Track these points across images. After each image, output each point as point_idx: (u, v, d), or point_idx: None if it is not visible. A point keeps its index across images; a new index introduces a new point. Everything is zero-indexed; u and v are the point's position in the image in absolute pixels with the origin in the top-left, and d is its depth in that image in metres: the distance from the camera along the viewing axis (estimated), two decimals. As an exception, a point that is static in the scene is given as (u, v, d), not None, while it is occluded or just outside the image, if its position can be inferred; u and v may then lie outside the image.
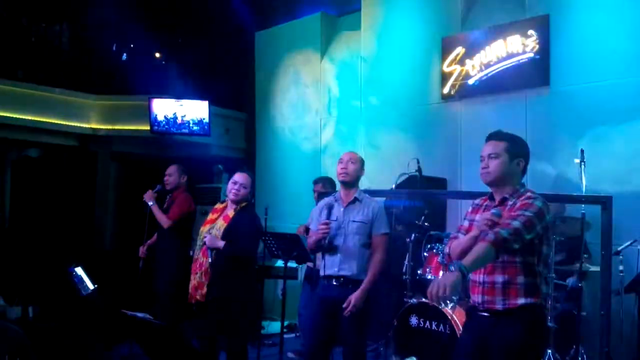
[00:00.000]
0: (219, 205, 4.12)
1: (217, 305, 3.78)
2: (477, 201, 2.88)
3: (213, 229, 3.91)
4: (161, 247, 5.08)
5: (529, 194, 2.62)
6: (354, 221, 3.49)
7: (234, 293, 3.81)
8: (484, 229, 2.52)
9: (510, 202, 2.63)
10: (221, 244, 3.80)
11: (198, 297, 3.83)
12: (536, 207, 2.53)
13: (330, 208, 3.59)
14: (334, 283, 3.48)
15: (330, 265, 3.50)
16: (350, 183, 3.58)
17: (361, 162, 3.67)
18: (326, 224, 3.46)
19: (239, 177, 3.97)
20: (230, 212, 3.94)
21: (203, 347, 3.91)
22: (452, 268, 2.35)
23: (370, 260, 3.50)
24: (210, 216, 4.05)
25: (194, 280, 3.88)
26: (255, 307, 4.04)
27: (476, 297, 2.65)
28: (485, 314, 2.61)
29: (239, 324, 3.86)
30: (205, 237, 3.87)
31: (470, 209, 2.87)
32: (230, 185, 3.97)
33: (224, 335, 3.90)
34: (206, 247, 3.84)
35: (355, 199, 3.55)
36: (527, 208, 2.51)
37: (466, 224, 2.82)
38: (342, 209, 3.55)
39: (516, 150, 2.68)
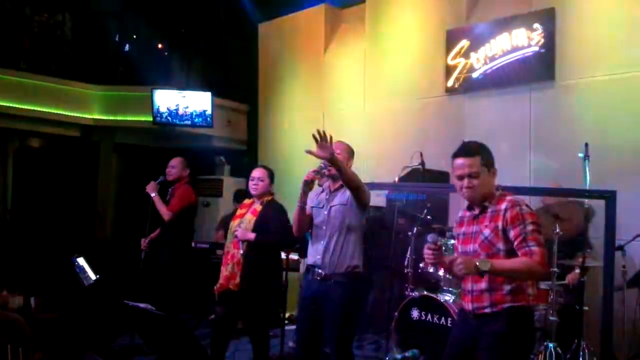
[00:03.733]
0: (247, 201, 4.32)
1: (250, 293, 3.97)
2: (460, 214, 2.89)
3: (242, 222, 4.11)
4: (163, 238, 5.09)
5: (509, 198, 2.63)
6: (333, 205, 3.45)
7: (266, 282, 4.05)
8: (431, 263, 2.61)
9: (490, 209, 2.65)
10: (252, 236, 4.00)
11: (231, 286, 4.00)
12: (527, 218, 2.55)
13: (318, 195, 3.61)
14: (316, 277, 3.40)
15: (313, 254, 3.47)
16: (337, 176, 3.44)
17: (348, 152, 3.59)
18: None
19: (255, 172, 4.23)
20: (258, 207, 4.16)
21: (218, 334, 4.05)
22: (479, 262, 2.42)
23: (355, 248, 3.38)
24: (240, 211, 4.27)
25: (225, 272, 4.06)
26: (280, 295, 4.42)
27: (467, 305, 2.72)
28: (475, 317, 2.67)
29: (267, 310, 4.13)
30: (236, 230, 4.07)
31: (456, 224, 2.90)
32: (249, 182, 4.21)
33: (252, 321, 4.09)
34: (237, 240, 4.03)
35: (341, 186, 3.47)
36: (521, 222, 2.53)
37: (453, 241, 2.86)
38: (327, 197, 3.52)
39: (489, 159, 2.68)
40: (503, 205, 2.61)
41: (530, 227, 2.53)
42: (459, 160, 2.68)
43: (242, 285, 3.97)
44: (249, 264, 3.99)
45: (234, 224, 4.16)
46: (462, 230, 2.79)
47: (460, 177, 2.67)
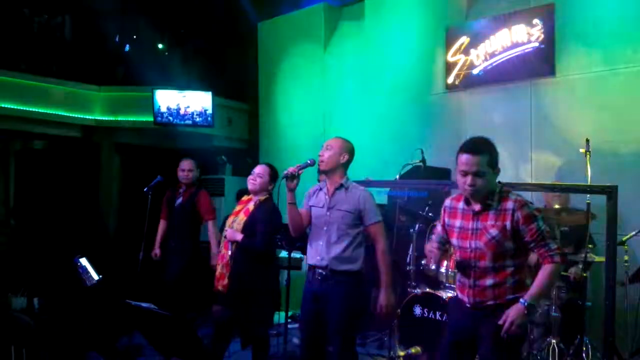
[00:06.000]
0: (245, 197, 4.18)
1: (236, 297, 3.86)
2: (448, 204, 2.87)
3: (235, 222, 3.98)
4: (177, 239, 5.10)
5: (514, 197, 2.63)
6: (339, 209, 3.34)
7: (252, 286, 3.86)
8: (433, 261, 2.63)
9: (494, 206, 2.64)
10: (240, 237, 3.87)
11: (220, 287, 3.93)
12: (538, 215, 2.60)
13: (317, 194, 3.51)
14: (317, 277, 3.37)
15: (313, 254, 3.42)
16: (328, 170, 3.41)
17: (341, 147, 3.41)
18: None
19: (256, 168, 4.08)
20: (251, 206, 4.00)
21: (218, 334, 3.99)
22: (522, 301, 2.51)
23: (357, 249, 3.35)
24: (237, 207, 4.13)
25: (217, 271, 4.00)
26: (273, 298, 4.17)
27: (465, 298, 2.72)
28: (474, 308, 2.68)
29: (257, 315, 3.92)
30: (227, 230, 3.97)
31: (444, 212, 2.88)
32: (249, 177, 4.05)
33: (242, 325, 3.98)
34: (227, 240, 3.93)
35: (342, 185, 3.39)
36: (534, 221, 2.57)
37: (439, 228, 2.87)
38: (327, 197, 3.42)
39: (495, 159, 2.67)
40: (510, 205, 2.60)
41: (543, 225, 2.57)
42: (465, 156, 2.64)
43: (230, 286, 3.87)
44: (236, 266, 3.88)
45: (229, 221, 4.05)
46: (457, 224, 2.75)
47: (465, 174, 2.63)
